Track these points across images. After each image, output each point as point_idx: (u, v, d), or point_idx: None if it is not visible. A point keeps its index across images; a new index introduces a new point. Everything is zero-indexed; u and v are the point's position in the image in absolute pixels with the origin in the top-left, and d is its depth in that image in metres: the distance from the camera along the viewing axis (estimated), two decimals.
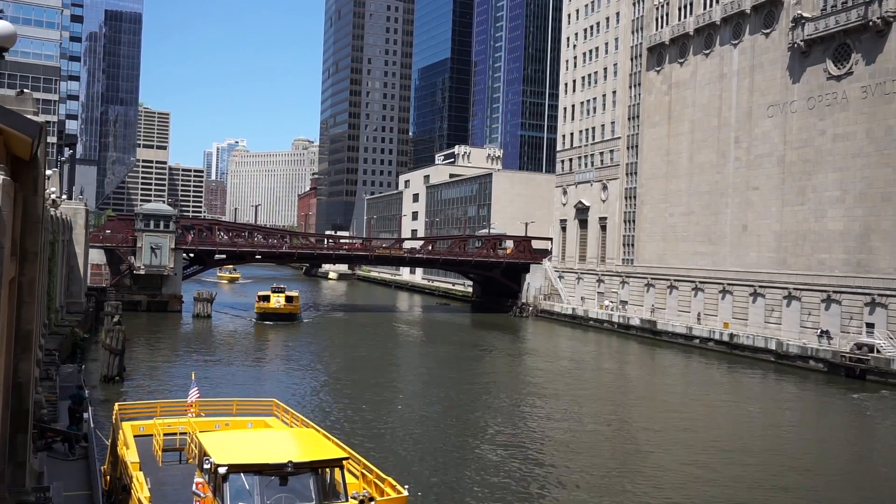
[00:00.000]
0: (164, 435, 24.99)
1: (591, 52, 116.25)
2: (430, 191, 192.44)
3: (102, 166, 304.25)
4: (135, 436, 25.11)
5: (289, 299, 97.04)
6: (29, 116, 15.72)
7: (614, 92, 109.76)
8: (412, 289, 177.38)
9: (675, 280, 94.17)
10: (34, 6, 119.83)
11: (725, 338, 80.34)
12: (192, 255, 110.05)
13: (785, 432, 46.03)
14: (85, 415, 31.36)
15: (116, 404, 28.54)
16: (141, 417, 27.58)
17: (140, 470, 21.15)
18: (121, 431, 25.11)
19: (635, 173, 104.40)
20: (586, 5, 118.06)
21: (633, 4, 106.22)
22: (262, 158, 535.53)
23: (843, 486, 35.46)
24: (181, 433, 25.18)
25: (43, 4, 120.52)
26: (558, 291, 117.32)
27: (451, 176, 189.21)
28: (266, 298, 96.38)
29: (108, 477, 25.56)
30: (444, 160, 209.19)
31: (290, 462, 17.99)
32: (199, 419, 26.31)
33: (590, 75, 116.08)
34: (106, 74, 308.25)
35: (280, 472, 17.89)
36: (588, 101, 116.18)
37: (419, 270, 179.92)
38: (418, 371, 66.25)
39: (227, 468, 17.66)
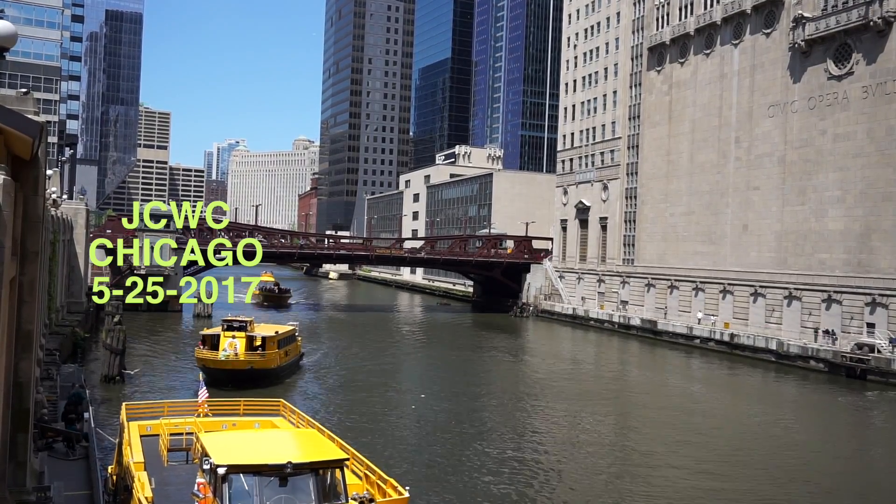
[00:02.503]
0: (171, 435, 24.99)
1: (591, 51, 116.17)
2: (430, 191, 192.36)
3: (103, 166, 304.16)
4: (142, 436, 25.12)
5: (255, 344, 51.70)
6: (29, 116, 15.70)
7: (615, 92, 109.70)
8: (413, 289, 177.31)
9: (676, 280, 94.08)
10: (35, 6, 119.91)
11: (726, 338, 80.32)
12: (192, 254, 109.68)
13: (785, 432, 45.98)
14: (86, 414, 31.34)
15: (124, 404, 28.57)
16: (148, 417, 27.59)
17: (144, 470, 21.15)
18: (126, 431, 25.11)
19: (636, 173, 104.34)
20: (587, 5, 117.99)
21: (634, 4, 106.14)
22: (263, 158, 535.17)
23: (844, 487, 35.42)
24: (187, 433, 25.16)
25: (43, 4, 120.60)
26: (559, 291, 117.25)
27: (452, 176, 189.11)
28: (212, 342, 51.77)
29: (115, 477, 25.56)
30: (444, 160, 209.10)
31: (290, 463, 17.99)
32: (205, 419, 26.32)
33: (590, 75, 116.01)
34: (106, 74, 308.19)
35: (279, 473, 17.89)
36: (588, 100, 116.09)
37: (420, 270, 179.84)
38: (420, 372, 66.23)
39: (226, 468, 17.69)
